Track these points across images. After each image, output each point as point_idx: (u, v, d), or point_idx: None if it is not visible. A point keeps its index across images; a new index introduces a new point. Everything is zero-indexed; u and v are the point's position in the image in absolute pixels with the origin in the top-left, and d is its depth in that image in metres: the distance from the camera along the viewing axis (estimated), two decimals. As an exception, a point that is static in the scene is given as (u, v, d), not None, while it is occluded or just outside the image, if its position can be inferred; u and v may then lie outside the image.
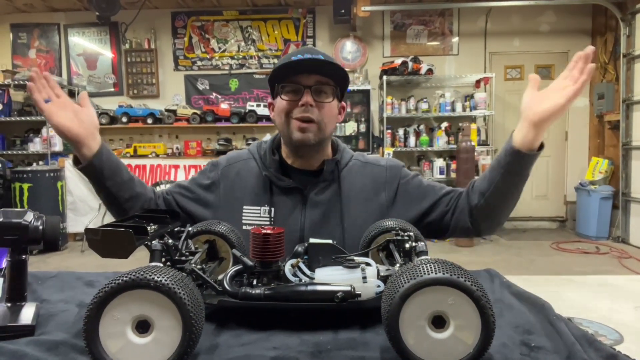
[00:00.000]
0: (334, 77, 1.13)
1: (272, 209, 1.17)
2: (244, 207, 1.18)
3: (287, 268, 0.75)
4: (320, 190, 1.18)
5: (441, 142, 5.66)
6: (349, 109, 5.80)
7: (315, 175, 1.19)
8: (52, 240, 0.78)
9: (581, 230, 5.60)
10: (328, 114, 1.14)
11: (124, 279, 0.56)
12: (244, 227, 1.16)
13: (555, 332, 0.68)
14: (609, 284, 1.02)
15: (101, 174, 1.07)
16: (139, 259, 0.88)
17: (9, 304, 0.78)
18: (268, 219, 1.17)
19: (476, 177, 1.15)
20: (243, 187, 1.20)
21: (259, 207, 1.18)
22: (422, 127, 5.81)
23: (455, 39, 6.12)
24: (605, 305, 0.88)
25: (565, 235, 5.80)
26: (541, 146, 0.99)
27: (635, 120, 5.14)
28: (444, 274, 0.57)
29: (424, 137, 5.70)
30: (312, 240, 0.80)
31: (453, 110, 5.67)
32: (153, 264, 0.68)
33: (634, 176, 5.18)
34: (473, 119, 5.85)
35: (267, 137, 5.72)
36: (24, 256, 0.79)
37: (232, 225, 0.94)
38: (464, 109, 5.67)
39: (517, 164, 0.99)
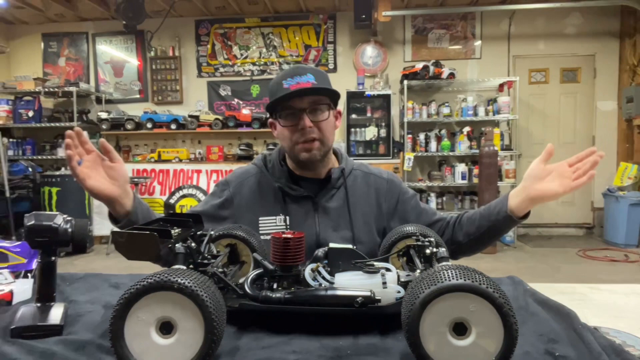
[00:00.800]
0: (325, 92, 1.18)
1: (287, 217, 1.22)
2: (260, 218, 1.23)
3: (307, 272, 0.75)
4: (329, 198, 1.25)
5: (463, 146, 5.59)
6: (368, 114, 5.79)
7: (323, 183, 1.26)
8: (80, 243, 0.81)
9: (609, 238, 5.43)
10: (327, 130, 1.20)
11: (149, 280, 0.58)
12: (262, 237, 1.19)
13: (581, 342, 0.66)
14: (637, 292, 0.99)
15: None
16: (162, 262, 0.89)
17: (38, 304, 0.81)
18: (284, 227, 1.22)
19: (466, 212, 1.27)
20: (257, 200, 1.26)
21: (274, 217, 1.23)
22: (443, 131, 5.75)
23: (478, 43, 6.05)
24: (634, 315, 0.85)
25: (592, 242, 5.63)
26: (527, 214, 1.13)
27: (666, 124, 4.97)
28: (465, 280, 0.56)
29: (446, 142, 5.63)
30: (332, 245, 0.80)
31: (475, 114, 5.59)
32: (176, 266, 0.69)
33: (665, 182, 5.00)
34: (496, 124, 5.76)
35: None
36: (53, 258, 0.82)
37: None
38: (486, 113, 5.58)
39: (504, 225, 1.15)
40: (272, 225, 1.22)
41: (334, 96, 1.20)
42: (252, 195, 1.26)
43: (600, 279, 3.98)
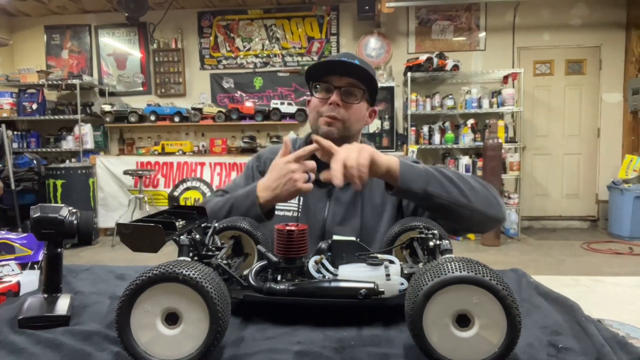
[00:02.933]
0: (365, 81, 1.20)
1: (301, 198, 1.24)
2: None
3: (311, 264, 0.75)
4: (344, 187, 1.21)
5: (467, 139, 5.57)
6: (373, 106, 5.76)
7: None
8: (86, 234, 0.81)
9: (614, 230, 5.42)
10: (355, 115, 1.21)
11: (154, 272, 0.58)
12: (276, 212, 1.23)
13: (584, 334, 0.66)
14: (642, 285, 0.99)
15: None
16: (166, 254, 0.90)
17: (45, 295, 0.82)
18: (296, 207, 1.25)
19: None
20: None
21: None
22: (447, 124, 5.73)
23: (482, 34, 6.00)
24: (638, 307, 0.85)
25: (596, 235, 5.62)
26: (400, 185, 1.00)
27: (672, 116, 4.93)
28: (468, 272, 0.57)
29: (450, 134, 5.61)
30: (335, 237, 0.80)
31: (480, 106, 5.57)
32: (181, 258, 0.69)
33: (671, 174, 4.97)
34: (500, 116, 5.73)
35: (292, 134, 5.77)
36: (59, 250, 0.83)
37: None
38: (491, 106, 5.55)
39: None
40: (284, 204, 1.24)
41: (372, 88, 1.22)
42: None
43: (605, 271, 3.98)
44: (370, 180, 1.24)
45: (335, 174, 0.91)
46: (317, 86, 1.23)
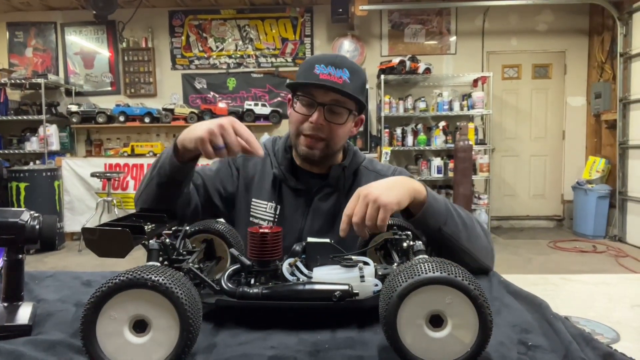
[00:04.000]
0: (352, 96, 1.09)
1: (279, 207, 1.18)
2: (253, 199, 1.20)
3: (285, 267, 0.75)
4: (324, 196, 1.19)
5: (439, 141, 5.66)
6: (346, 108, 5.79)
7: (323, 179, 1.20)
8: (48, 240, 0.78)
9: (578, 229, 5.62)
10: (338, 134, 1.12)
11: (121, 278, 0.56)
12: (251, 219, 1.19)
13: (553, 331, 0.68)
14: (606, 282, 1.03)
15: (188, 177, 1.06)
16: (136, 259, 0.88)
17: (5, 304, 0.78)
18: (273, 216, 1.18)
19: None
20: (256, 182, 1.22)
21: (266, 203, 1.20)
22: (419, 126, 5.82)
23: (453, 38, 6.13)
24: (602, 304, 0.88)
25: (562, 234, 5.82)
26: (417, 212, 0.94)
27: (632, 120, 5.16)
28: (441, 273, 0.57)
29: (422, 136, 5.70)
30: (309, 239, 0.80)
31: (451, 109, 5.68)
32: (150, 263, 0.67)
33: (630, 175, 5.20)
34: (471, 118, 5.86)
35: (265, 136, 5.71)
36: (20, 256, 0.79)
37: (242, 216, 0.96)
38: (461, 108, 5.68)
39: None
40: (262, 210, 1.19)
41: (360, 101, 1.13)
42: (252, 175, 1.23)
43: (570, 269, 4.12)
44: (357, 185, 1.17)
45: (341, 227, 0.86)
46: (299, 98, 1.11)
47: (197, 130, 0.89)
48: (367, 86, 5.78)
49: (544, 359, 0.61)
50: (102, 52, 6.27)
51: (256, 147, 0.88)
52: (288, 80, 1.16)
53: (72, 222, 5.35)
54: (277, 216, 1.18)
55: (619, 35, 5.24)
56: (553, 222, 6.32)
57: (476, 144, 5.57)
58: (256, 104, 5.87)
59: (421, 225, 0.93)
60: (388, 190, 0.85)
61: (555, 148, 6.24)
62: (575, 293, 0.95)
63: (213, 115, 5.84)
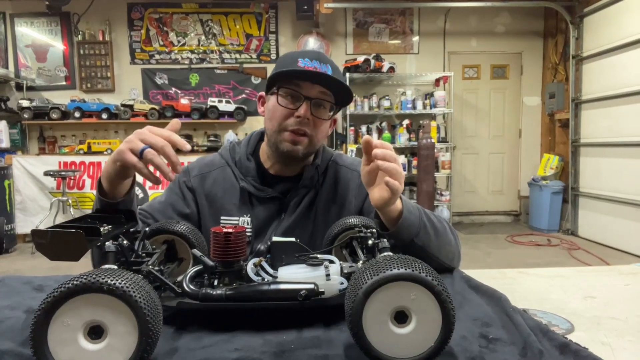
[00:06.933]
0: (336, 91, 1.06)
1: (251, 219, 1.13)
2: (222, 217, 1.14)
3: (250, 267, 0.73)
4: (299, 198, 1.14)
5: (403, 139, 5.76)
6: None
7: (294, 181, 1.15)
8: (-5, 243, 0.73)
9: (534, 224, 5.87)
10: (321, 130, 1.09)
11: (75, 282, 0.53)
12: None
13: (512, 324, 0.70)
14: (560, 275, 1.07)
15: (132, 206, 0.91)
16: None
17: (-54, 313, 0.73)
18: (250, 229, 1.12)
19: None
20: (220, 198, 1.14)
21: (237, 218, 1.13)
22: (384, 124, 5.90)
23: (416, 38, 6.24)
24: (557, 296, 0.92)
25: (519, 228, 6.06)
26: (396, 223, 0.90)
27: (583, 119, 5.43)
28: (406, 269, 0.57)
29: (386, 134, 5.78)
30: (274, 238, 0.79)
31: (414, 108, 5.79)
32: (106, 266, 0.64)
33: (582, 172, 5.47)
34: (433, 117, 6.00)
35: (230, 135, 5.57)
36: (-37, 261, 0.74)
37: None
38: (424, 107, 5.79)
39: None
40: (233, 219, 1.13)
41: (341, 101, 1.08)
42: (215, 192, 1.14)
43: (527, 262, 4.29)
44: (331, 190, 1.15)
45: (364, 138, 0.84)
46: (284, 91, 1.05)
47: (115, 152, 0.81)
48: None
49: (504, 352, 0.62)
50: (56, 44, 5.98)
51: (181, 143, 0.78)
52: (272, 72, 1.09)
53: (25, 223, 5.09)
54: (252, 230, 1.12)
55: (571, 38, 5.49)
56: (511, 217, 6.57)
57: (438, 142, 5.71)
58: (220, 101, 5.76)
59: (394, 237, 0.90)
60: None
61: (512, 146, 6.48)
62: (532, 286, 0.99)
63: (175, 111, 5.69)
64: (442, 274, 0.95)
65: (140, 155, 0.77)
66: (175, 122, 0.85)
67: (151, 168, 0.79)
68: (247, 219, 1.13)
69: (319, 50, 6.10)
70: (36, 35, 5.96)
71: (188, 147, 0.80)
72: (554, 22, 6.01)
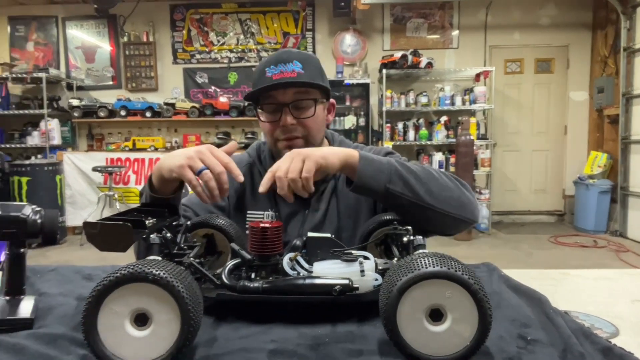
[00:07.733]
0: (310, 84, 1.06)
1: (277, 214, 1.16)
2: (248, 212, 1.18)
3: (286, 261, 0.75)
4: (319, 195, 1.16)
5: (440, 136, 5.65)
6: (347, 103, 5.78)
7: None
8: (50, 234, 0.78)
9: (579, 224, 5.62)
10: (313, 126, 1.10)
11: (123, 272, 0.57)
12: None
13: (552, 326, 0.68)
14: (606, 277, 1.03)
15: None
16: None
17: (7, 298, 0.78)
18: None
19: None
20: (248, 192, 1.20)
21: (263, 212, 1.17)
22: (421, 120, 5.80)
23: (456, 32, 6.09)
24: (602, 298, 0.89)
25: (563, 229, 5.82)
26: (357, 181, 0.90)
27: (634, 114, 5.14)
28: (441, 267, 0.57)
29: (423, 131, 5.69)
30: (310, 234, 0.80)
31: (452, 104, 5.66)
32: (151, 257, 0.68)
33: (632, 170, 5.18)
34: (472, 113, 5.84)
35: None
36: (22, 250, 0.79)
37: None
38: (463, 103, 5.65)
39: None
40: (260, 220, 1.17)
41: (323, 86, 1.09)
42: (242, 187, 1.19)
43: (570, 264, 4.12)
44: (343, 181, 1.16)
45: (262, 182, 0.84)
46: (262, 107, 1.09)
47: (175, 158, 0.84)
48: (369, 80, 5.77)
49: (543, 353, 0.61)
50: (104, 46, 6.26)
51: (236, 173, 0.84)
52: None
53: (74, 217, 5.37)
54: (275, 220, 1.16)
55: (622, 30, 5.20)
56: (554, 217, 6.31)
57: (478, 138, 5.56)
58: (257, 99, 5.84)
59: (365, 189, 0.90)
60: (315, 150, 0.86)
61: (557, 143, 6.22)
62: (575, 288, 0.95)
63: (214, 109, 5.83)
64: (478, 271, 0.93)
65: (197, 173, 0.82)
66: (233, 145, 0.91)
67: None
68: (270, 213, 1.17)
69: (355, 46, 6.08)
70: (85, 37, 6.27)
71: (242, 178, 0.85)
72: (604, 12, 5.71)
